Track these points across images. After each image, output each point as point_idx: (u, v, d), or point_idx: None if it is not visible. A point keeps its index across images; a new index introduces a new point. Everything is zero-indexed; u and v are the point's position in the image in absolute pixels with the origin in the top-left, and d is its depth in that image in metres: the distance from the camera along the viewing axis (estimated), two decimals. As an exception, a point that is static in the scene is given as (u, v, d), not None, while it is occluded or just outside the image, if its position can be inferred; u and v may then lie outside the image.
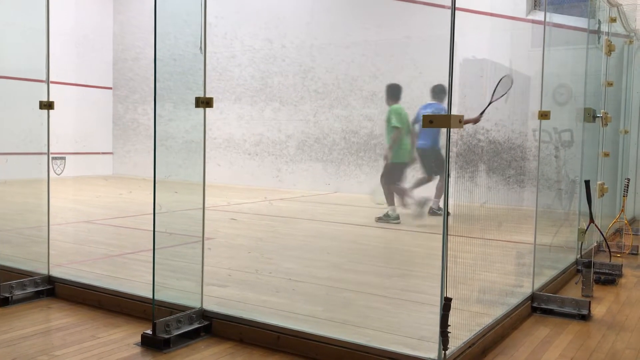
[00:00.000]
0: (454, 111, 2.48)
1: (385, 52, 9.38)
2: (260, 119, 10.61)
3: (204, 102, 2.85)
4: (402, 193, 6.68)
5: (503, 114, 7.39)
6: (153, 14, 2.71)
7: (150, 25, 2.69)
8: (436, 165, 6.78)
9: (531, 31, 7.51)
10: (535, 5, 8.05)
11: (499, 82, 6.23)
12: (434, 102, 6.95)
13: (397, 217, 6.61)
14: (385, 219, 6.61)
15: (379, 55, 9.43)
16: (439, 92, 6.99)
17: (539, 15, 7.70)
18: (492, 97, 6.21)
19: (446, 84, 2.45)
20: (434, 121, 2.43)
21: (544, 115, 3.53)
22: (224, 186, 9.81)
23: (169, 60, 2.86)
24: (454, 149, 8.46)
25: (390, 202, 6.68)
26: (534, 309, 3.37)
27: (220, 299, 3.21)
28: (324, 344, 2.54)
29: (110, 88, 12.28)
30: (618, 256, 5.03)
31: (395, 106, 6.71)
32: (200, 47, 2.91)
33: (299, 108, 10.21)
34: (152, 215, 2.71)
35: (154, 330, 2.66)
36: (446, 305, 2.30)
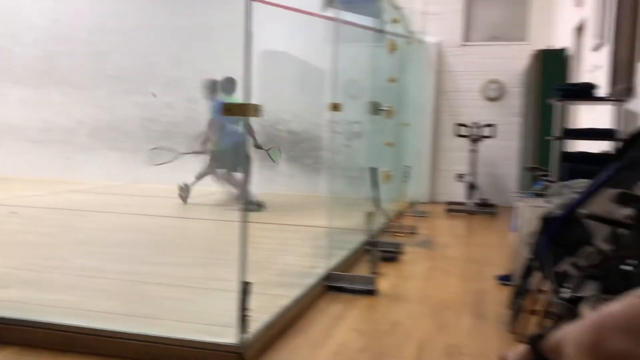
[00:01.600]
0: (253, 101, 2.54)
1: (185, 39, 9.18)
2: (47, 103, 9.71)
3: (-24, 82, 2.54)
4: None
5: (300, 106, 7.72)
6: None
7: None
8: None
9: (325, 27, 7.93)
10: (329, 2, 8.50)
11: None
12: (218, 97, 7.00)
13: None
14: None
15: (179, 42, 9.21)
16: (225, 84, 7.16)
17: (332, 12, 8.16)
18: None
19: (238, 76, 2.49)
20: (233, 110, 2.46)
21: (335, 107, 3.76)
22: (5, 177, 8.82)
23: None
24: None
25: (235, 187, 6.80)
26: (329, 288, 3.59)
27: (1, 302, 2.90)
28: (120, 340, 2.44)
29: None
30: (400, 236, 5.57)
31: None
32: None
33: (91, 93, 9.55)
34: None
35: None
36: (245, 289, 2.36)
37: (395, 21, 5.52)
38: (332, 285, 3.60)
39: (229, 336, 2.41)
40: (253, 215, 2.64)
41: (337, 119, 5.75)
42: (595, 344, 0.78)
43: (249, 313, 2.39)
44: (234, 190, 6.60)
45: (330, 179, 5.17)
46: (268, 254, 4.37)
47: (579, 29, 6.01)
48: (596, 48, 4.88)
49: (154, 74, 9.14)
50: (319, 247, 3.95)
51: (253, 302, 2.42)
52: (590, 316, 0.83)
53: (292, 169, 7.66)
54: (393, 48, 5.27)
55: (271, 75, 7.50)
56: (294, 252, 4.63)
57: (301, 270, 3.97)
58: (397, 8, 5.64)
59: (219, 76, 8.86)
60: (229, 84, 7.02)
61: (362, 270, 4.15)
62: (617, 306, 0.81)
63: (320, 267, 3.68)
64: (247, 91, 2.46)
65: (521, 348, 1.04)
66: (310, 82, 8.01)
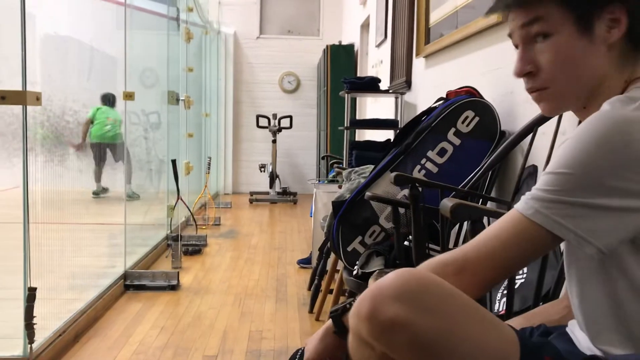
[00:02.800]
0: (36, 89, 2.31)
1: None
2: None
3: None
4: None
5: (91, 95, 7.21)
6: None
7: None
8: None
9: (115, 12, 7.50)
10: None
11: None
12: None
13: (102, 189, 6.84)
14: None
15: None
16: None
17: (123, -2, 7.75)
18: None
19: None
20: (6, 97, 2.21)
21: (128, 96, 3.59)
22: None
23: None
24: (39, 131, 7.88)
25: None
26: (128, 287, 3.43)
27: None
28: None
29: None
30: (204, 228, 5.53)
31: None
32: None
33: None
34: None
35: None
36: (30, 295, 2.15)
37: (190, 9, 5.42)
38: (132, 283, 3.45)
39: (13, 348, 2.19)
40: (38, 215, 2.41)
41: (133, 110, 5.49)
42: (371, 312, 0.86)
43: (37, 321, 2.19)
44: None
45: (125, 172, 4.94)
46: (58, 257, 4.03)
47: (365, 26, 6.48)
48: (379, 44, 5.30)
49: None
50: (116, 245, 3.75)
51: (42, 309, 2.22)
52: (369, 288, 0.91)
53: (84, 164, 7.15)
54: (189, 37, 5.17)
55: (55, 62, 6.89)
56: (88, 252, 4.33)
57: (97, 271, 3.73)
58: (191, -4, 5.54)
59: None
60: None
61: (164, 265, 4.05)
62: (389, 277, 0.89)
63: (118, 266, 3.50)
64: (24, 78, 2.23)
65: (325, 324, 1.10)
66: (100, 70, 7.51)
